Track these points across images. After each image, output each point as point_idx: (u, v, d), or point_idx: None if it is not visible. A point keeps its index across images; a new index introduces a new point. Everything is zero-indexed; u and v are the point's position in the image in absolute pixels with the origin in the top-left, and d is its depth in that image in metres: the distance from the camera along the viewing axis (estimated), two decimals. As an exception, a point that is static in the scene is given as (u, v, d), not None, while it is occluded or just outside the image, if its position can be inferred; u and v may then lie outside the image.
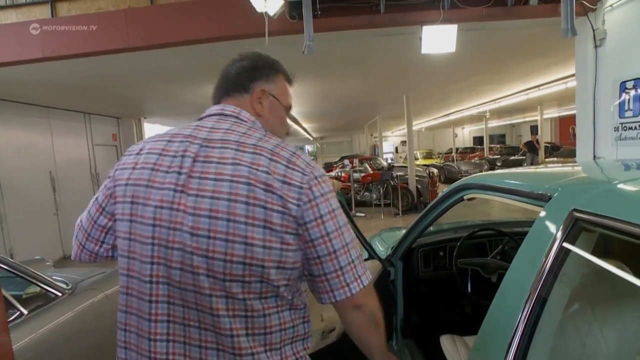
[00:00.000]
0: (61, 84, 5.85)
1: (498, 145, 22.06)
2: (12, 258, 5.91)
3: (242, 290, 0.83)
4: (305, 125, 17.04)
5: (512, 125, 25.90)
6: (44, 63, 4.36)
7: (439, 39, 3.78)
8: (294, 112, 11.43)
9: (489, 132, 21.14)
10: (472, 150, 22.71)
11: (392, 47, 5.01)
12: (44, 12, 4.37)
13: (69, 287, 2.59)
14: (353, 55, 5.49)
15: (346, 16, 3.85)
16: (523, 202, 1.30)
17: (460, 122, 22.53)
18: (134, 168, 0.92)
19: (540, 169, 1.96)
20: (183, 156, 0.88)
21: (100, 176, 8.48)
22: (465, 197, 1.81)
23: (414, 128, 22.49)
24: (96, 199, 0.99)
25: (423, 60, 5.59)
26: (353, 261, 0.88)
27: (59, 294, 2.47)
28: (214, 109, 1.00)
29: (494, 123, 22.53)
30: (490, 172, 1.85)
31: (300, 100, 9.44)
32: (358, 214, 9.19)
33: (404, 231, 2.33)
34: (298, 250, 0.85)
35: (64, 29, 4.17)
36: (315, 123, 17.05)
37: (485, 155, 18.64)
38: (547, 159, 13.51)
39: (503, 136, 27.31)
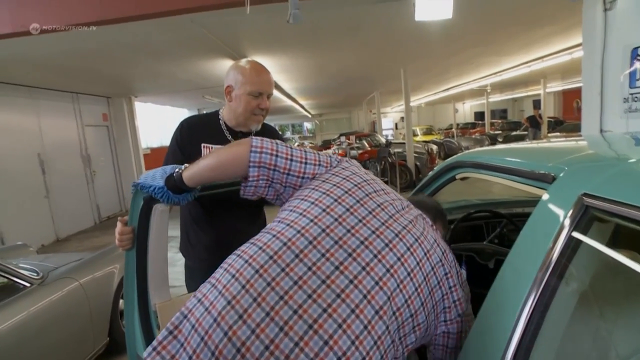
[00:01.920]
0: (44, 63, 5.60)
1: (499, 121, 21.72)
2: (2, 243, 5.83)
3: None
4: (302, 102, 16.71)
5: (514, 100, 25.46)
6: (21, 39, 4.12)
7: (434, 3, 3.51)
8: (287, 87, 11.13)
9: (490, 107, 20.78)
10: (472, 125, 22.40)
11: (385, 15, 4.72)
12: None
13: (39, 276, 2.44)
14: (345, 25, 5.20)
15: (335, -19, 3.57)
16: (522, 183, 1.12)
17: (460, 97, 22.10)
18: (357, 175, 1.05)
19: (543, 144, 1.76)
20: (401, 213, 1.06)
21: (91, 157, 8.30)
22: (457, 177, 1.63)
23: (414, 103, 22.14)
24: (317, 153, 1.08)
25: (419, 30, 5.31)
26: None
27: (27, 285, 2.32)
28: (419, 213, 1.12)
29: (495, 98, 22.11)
30: (485, 147, 1.66)
31: (293, 76, 9.15)
32: (356, 192, 9.02)
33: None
34: None
35: (34, 1, 3.91)
36: (312, 100, 16.72)
37: (487, 131, 18.34)
38: (550, 134, 13.24)
39: (505, 111, 26.89)
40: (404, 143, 10.30)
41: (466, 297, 1.03)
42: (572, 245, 0.80)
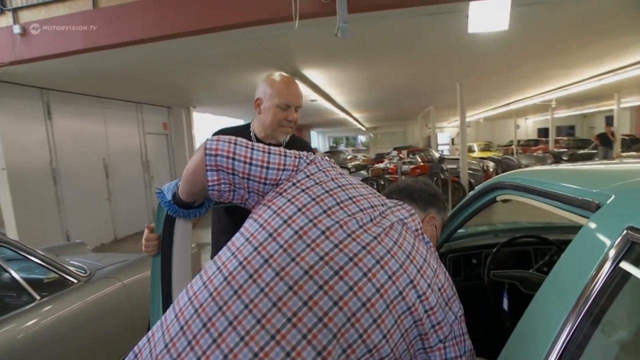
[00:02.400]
0: (112, 76, 6.04)
1: (565, 138, 20.36)
2: (68, 239, 6.29)
3: None
4: (355, 115, 16.69)
5: (584, 116, 23.78)
6: (93, 54, 4.49)
7: (488, 15, 3.36)
8: (340, 100, 11.16)
9: (556, 124, 19.54)
10: (535, 142, 21.17)
11: (438, 27, 4.59)
12: (86, 4, 4.45)
13: (86, 274, 2.56)
14: (396, 39, 5.13)
15: (383, -6, 3.53)
16: (565, 210, 1.00)
17: (522, 112, 21.00)
18: (329, 179, 0.94)
19: (602, 165, 1.59)
20: (382, 216, 0.95)
21: (150, 164, 8.78)
22: (498, 199, 1.51)
23: (472, 118, 21.39)
24: (283, 155, 0.97)
25: (475, 42, 5.11)
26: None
27: (75, 281, 2.45)
28: (408, 207, 1.02)
29: (562, 113, 20.78)
30: (529, 168, 1.52)
31: (345, 89, 9.16)
32: (405, 208, 8.79)
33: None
34: None
35: (103, 20, 4.24)
36: (366, 113, 16.64)
37: (550, 149, 17.25)
38: (623, 153, 12.18)
39: (572, 128, 25.19)
40: (458, 159, 9.93)
41: (452, 318, 0.87)
42: (612, 284, 0.69)
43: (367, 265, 0.79)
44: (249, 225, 0.88)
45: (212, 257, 1.83)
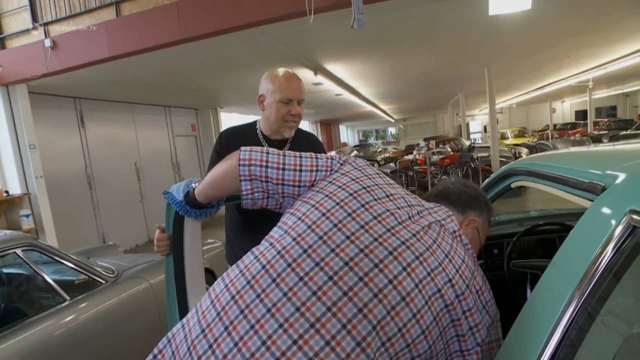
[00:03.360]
0: (141, 81, 6.23)
1: (606, 119, 19.34)
2: (104, 242, 6.56)
3: None
4: (383, 106, 16.48)
5: (626, 95, 22.47)
6: (119, 61, 4.64)
7: (510, -5, 3.23)
8: (366, 93, 11.04)
9: (596, 105, 18.59)
10: (572, 126, 20.23)
11: (459, 12, 4.44)
12: (110, 13, 4.59)
13: (114, 274, 2.66)
14: (417, 27, 5.01)
15: (399, -19, 3.45)
16: (573, 194, 0.95)
17: (558, 95, 20.08)
18: (366, 176, 0.95)
19: (618, 145, 1.49)
20: (420, 216, 0.92)
21: (180, 165, 9.01)
22: (512, 185, 1.45)
23: (503, 104, 20.71)
24: (315, 158, 0.98)
25: (500, 24, 4.92)
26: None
27: (103, 282, 2.54)
28: (445, 209, 1.00)
29: (601, 93, 19.72)
30: (543, 153, 1.45)
31: (370, 82, 9.05)
32: (435, 199, 8.63)
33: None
34: None
35: (125, 27, 4.36)
36: (393, 104, 16.40)
37: (589, 131, 16.45)
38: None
39: (614, 108, 23.88)
40: (489, 147, 9.64)
41: (489, 321, 0.88)
42: (615, 267, 0.66)
43: (406, 260, 0.80)
44: (286, 218, 0.91)
45: (226, 256, 1.85)
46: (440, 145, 12.55)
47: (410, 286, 0.78)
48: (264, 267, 0.80)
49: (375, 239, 0.81)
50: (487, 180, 1.63)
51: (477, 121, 26.54)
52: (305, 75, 6.70)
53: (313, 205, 0.87)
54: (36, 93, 5.65)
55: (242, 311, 0.75)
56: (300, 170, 0.94)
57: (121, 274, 2.71)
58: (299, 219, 0.86)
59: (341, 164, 0.97)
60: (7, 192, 5.31)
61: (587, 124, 17.52)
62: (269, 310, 0.74)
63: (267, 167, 0.94)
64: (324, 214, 0.84)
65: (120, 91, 6.78)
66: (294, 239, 0.82)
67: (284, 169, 0.94)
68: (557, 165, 1.09)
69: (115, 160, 7.19)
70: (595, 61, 9.78)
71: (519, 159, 1.42)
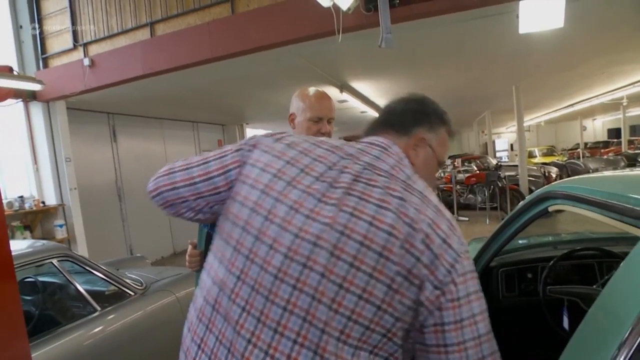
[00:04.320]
0: (170, 98, 6.42)
1: (641, 138, 18.69)
2: (131, 253, 6.70)
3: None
4: (407, 124, 16.41)
5: (663, 113, 21.69)
6: (151, 79, 4.82)
7: (541, 13, 3.19)
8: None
9: (630, 122, 17.98)
10: (605, 144, 19.61)
11: (489, 30, 4.42)
12: (145, 33, 4.78)
13: (143, 286, 2.70)
14: (445, 45, 5.00)
15: (427, 1, 3.46)
16: (621, 222, 0.91)
17: (589, 113, 19.55)
18: (279, 158, 0.85)
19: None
20: (342, 172, 0.81)
21: (207, 180, 9.17)
22: (550, 209, 1.41)
23: (531, 122, 20.29)
24: (221, 158, 0.92)
25: (530, 42, 4.86)
26: (484, 357, 0.74)
27: (132, 293, 2.59)
28: (378, 140, 0.92)
29: (636, 111, 19.10)
30: (584, 176, 1.41)
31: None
32: (460, 218, 8.47)
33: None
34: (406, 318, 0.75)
35: (159, 47, 4.53)
36: (418, 121, 16.31)
37: (623, 150, 15.90)
38: None
39: (649, 126, 23.05)
40: (517, 165, 9.44)
41: (454, 255, 0.75)
42: None
43: (330, 242, 0.74)
44: (217, 246, 0.89)
45: None
46: (466, 164, 12.36)
47: (344, 269, 0.72)
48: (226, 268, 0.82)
49: (296, 235, 0.75)
50: (522, 203, 1.59)
51: (504, 139, 26.06)
52: (331, 92, 6.76)
53: (232, 221, 0.84)
54: (73, 109, 5.89)
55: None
56: (211, 178, 0.89)
57: (149, 286, 2.76)
58: (225, 241, 0.84)
59: (249, 151, 0.90)
60: (43, 202, 5.52)
61: (621, 143, 16.96)
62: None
63: (176, 188, 0.91)
64: (243, 228, 0.80)
65: (150, 107, 7.01)
66: (227, 268, 0.81)
67: (194, 183, 0.90)
68: (601, 189, 1.05)
69: (144, 173, 7.30)
70: (629, 78, 9.52)
71: (557, 182, 1.38)
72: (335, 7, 3.47)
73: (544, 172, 8.72)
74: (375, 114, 8.35)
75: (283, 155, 0.85)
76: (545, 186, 1.43)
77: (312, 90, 1.67)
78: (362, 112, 9.37)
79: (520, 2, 3.20)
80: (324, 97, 1.65)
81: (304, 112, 1.61)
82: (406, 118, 0.95)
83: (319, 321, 0.71)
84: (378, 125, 0.97)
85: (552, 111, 16.13)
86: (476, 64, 6.22)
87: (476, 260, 1.91)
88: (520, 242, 2.28)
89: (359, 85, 7.13)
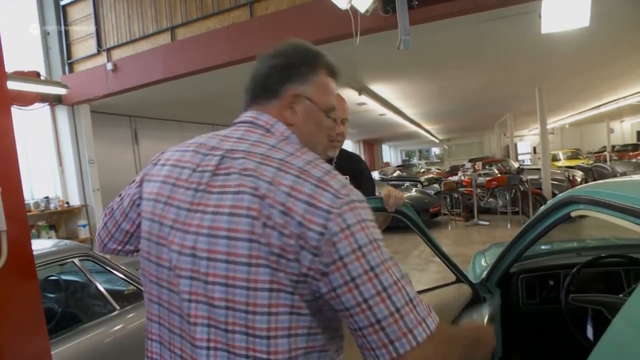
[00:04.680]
0: (189, 100, 6.53)
1: (672, 141, 18.02)
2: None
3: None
4: (427, 127, 16.27)
5: (694, 115, 20.89)
6: (172, 82, 4.91)
7: (565, 12, 3.10)
8: (410, 113, 10.95)
9: (658, 125, 17.36)
10: (634, 147, 18.98)
11: (510, 31, 4.35)
12: (166, 38, 4.87)
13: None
14: (465, 46, 4.94)
15: (446, 2, 3.42)
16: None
17: (616, 115, 18.95)
18: (157, 181, 0.84)
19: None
20: (204, 171, 0.77)
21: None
22: (572, 214, 1.36)
23: (555, 124, 19.81)
24: (121, 201, 0.95)
25: (553, 42, 4.75)
26: (399, 310, 0.67)
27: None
28: (246, 115, 0.86)
29: (666, 113, 18.46)
30: (611, 180, 1.36)
31: (415, 101, 8.98)
32: (481, 222, 8.32)
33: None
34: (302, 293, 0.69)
35: (179, 51, 4.61)
36: (438, 124, 16.16)
37: (653, 153, 15.37)
38: None
39: (681, 128, 22.22)
40: (539, 169, 9.22)
41: (324, 214, 0.68)
42: None
43: (204, 248, 0.72)
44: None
45: None
46: (487, 167, 12.14)
47: (223, 269, 0.70)
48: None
49: (180, 252, 0.75)
50: (543, 208, 1.55)
51: (526, 142, 25.52)
52: (350, 95, 6.75)
53: (142, 255, 0.85)
54: (96, 112, 6.05)
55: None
56: (127, 215, 0.94)
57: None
58: (143, 275, 0.86)
59: (140, 186, 0.90)
60: (67, 203, 5.67)
61: (650, 146, 16.41)
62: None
63: (112, 235, 0.96)
64: (148, 260, 0.82)
65: (171, 110, 7.14)
66: (148, 298, 0.85)
67: (119, 226, 0.95)
68: (627, 194, 1.01)
69: (166, 176, 7.52)
70: (659, 79, 9.21)
71: (580, 186, 1.33)
72: (353, 10, 3.47)
73: (568, 175, 8.49)
74: (395, 117, 8.28)
75: (159, 177, 0.84)
76: (568, 190, 1.39)
77: None
78: (381, 114, 9.32)
79: (543, 1, 3.12)
80: (339, 99, 1.64)
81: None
82: (272, 79, 0.84)
83: (221, 323, 0.71)
84: (249, 97, 0.89)
85: (577, 113, 15.72)
86: (497, 65, 6.12)
87: (495, 265, 1.87)
88: (541, 247, 2.22)
89: (378, 88, 7.10)
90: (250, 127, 0.83)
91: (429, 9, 3.45)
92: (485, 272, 1.99)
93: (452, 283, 1.86)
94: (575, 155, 18.56)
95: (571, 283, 1.63)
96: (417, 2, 3.43)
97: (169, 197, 0.79)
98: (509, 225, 7.87)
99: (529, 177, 8.36)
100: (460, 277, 1.82)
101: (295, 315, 0.69)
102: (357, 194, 0.72)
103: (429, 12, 3.47)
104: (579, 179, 9.12)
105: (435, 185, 11.66)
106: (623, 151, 18.64)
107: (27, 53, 5.48)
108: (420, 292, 1.83)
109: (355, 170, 1.74)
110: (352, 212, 0.68)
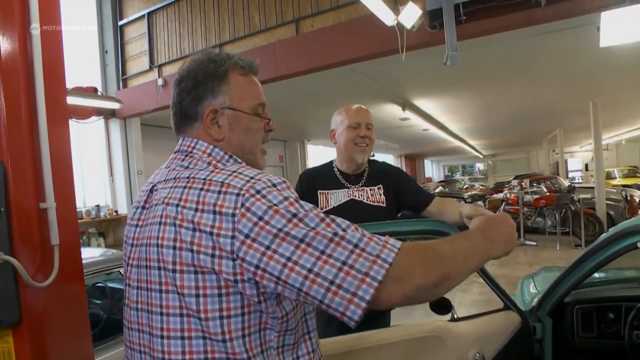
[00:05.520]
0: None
1: None
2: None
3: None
4: (471, 142, 15.84)
5: None
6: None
7: (625, 24, 2.93)
8: (454, 128, 10.71)
9: None
10: (701, 166, 17.59)
11: (562, 45, 4.17)
12: (213, 55, 5.04)
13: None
14: (514, 61, 4.78)
15: (497, 16, 3.33)
16: None
17: (680, 131, 17.69)
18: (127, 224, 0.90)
19: None
20: (137, 207, 0.83)
21: (266, 194, 9.40)
22: (639, 245, 1.26)
23: (610, 140, 18.71)
24: None
25: (610, 56, 4.51)
26: (345, 262, 0.64)
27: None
28: (177, 145, 0.87)
29: None
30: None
31: (460, 117, 8.78)
32: (528, 242, 7.92)
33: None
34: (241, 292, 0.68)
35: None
36: (483, 140, 15.69)
37: None
38: None
39: None
40: (593, 187, 8.70)
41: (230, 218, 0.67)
42: None
43: (150, 280, 0.75)
44: None
45: None
46: (535, 185, 11.60)
47: (156, 297, 0.73)
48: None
49: (128, 285, 0.81)
50: (604, 236, 1.44)
51: (577, 159, 24.24)
52: (393, 110, 6.72)
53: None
54: (146, 125, 6.33)
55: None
56: None
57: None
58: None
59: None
60: (116, 211, 5.94)
61: None
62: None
63: None
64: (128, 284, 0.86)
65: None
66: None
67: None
68: None
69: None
70: None
71: (649, 214, 1.23)
72: (400, 26, 3.45)
73: (626, 195, 7.94)
74: (439, 132, 8.15)
75: (130, 220, 0.87)
76: (632, 220, 1.28)
77: (347, 104, 1.75)
78: (424, 129, 9.18)
79: (602, 13, 2.96)
80: (360, 107, 1.72)
81: (342, 123, 1.69)
82: (186, 104, 0.83)
83: (151, 328, 0.74)
84: (174, 128, 0.88)
85: (635, 129, 14.78)
86: (548, 79, 5.88)
87: (548, 293, 1.75)
88: (597, 275, 2.06)
89: (422, 103, 7.01)
90: (175, 154, 0.84)
91: (477, 24, 3.37)
92: (535, 300, 1.88)
93: (499, 310, 1.76)
94: (633, 173, 17.42)
95: (636, 318, 1.49)
96: (465, 18, 3.37)
97: (126, 237, 0.84)
98: (557, 247, 7.45)
99: (581, 196, 7.90)
100: (509, 304, 1.72)
101: (246, 315, 0.70)
102: (264, 181, 0.70)
103: (477, 27, 3.39)
104: (637, 199, 8.51)
105: (479, 203, 11.26)
106: (687, 170, 17.31)
107: (86, 70, 5.85)
108: (464, 318, 1.75)
109: (388, 179, 1.73)
110: (260, 201, 0.67)
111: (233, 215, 0.66)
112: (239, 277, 0.67)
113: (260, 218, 0.65)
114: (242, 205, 0.66)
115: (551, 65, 5.09)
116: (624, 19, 2.93)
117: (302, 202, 0.70)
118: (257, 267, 0.65)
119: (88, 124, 5.67)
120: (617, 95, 7.51)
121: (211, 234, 0.67)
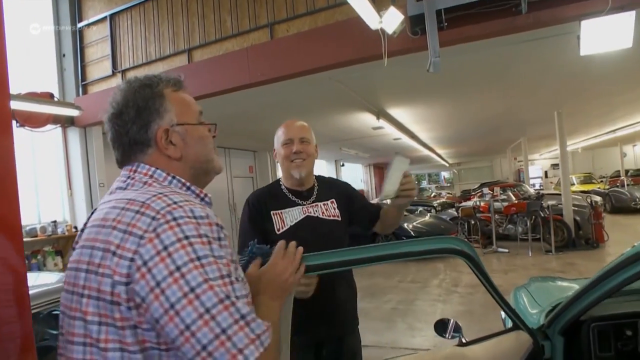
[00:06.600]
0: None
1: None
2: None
3: None
4: (439, 151, 16.10)
5: None
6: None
7: (606, 33, 2.94)
8: (424, 137, 10.81)
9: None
10: (650, 173, 18.63)
11: (538, 54, 4.21)
12: (182, 60, 4.78)
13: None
14: (489, 70, 4.80)
15: (478, 23, 3.28)
16: None
17: (629, 139, 18.63)
18: None
19: None
20: (81, 230, 0.80)
21: (237, 206, 9.08)
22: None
23: (569, 148, 19.52)
24: None
25: (580, 66, 4.60)
26: (225, 330, 0.62)
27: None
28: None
29: (681, 138, 18.16)
30: None
31: (430, 125, 8.85)
32: (500, 250, 8.02)
33: (560, 284, 1.65)
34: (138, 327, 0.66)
35: (196, 73, 4.50)
36: (450, 148, 15.99)
37: (671, 179, 15.01)
38: None
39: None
40: (558, 194, 8.95)
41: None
42: None
43: (79, 309, 0.72)
44: None
45: None
46: (501, 192, 11.85)
47: (79, 326, 0.70)
48: None
49: (64, 313, 0.77)
50: (621, 257, 1.33)
51: (537, 166, 25.22)
52: (368, 119, 6.64)
53: None
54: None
55: None
56: None
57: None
58: None
59: None
60: (75, 227, 5.50)
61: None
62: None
63: None
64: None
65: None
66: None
67: None
68: None
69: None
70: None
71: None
72: (381, 31, 3.34)
73: (591, 201, 8.20)
74: (409, 141, 8.15)
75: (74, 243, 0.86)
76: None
77: (284, 122, 1.73)
78: (396, 139, 9.18)
79: (582, 22, 2.97)
80: (292, 122, 1.71)
81: (278, 141, 1.68)
82: (133, 133, 0.81)
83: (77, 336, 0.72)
84: (119, 160, 0.87)
85: (591, 137, 15.50)
86: (520, 88, 5.98)
87: (563, 310, 1.63)
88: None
89: (396, 112, 6.98)
90: (118, 180, 0.83)
91: (459, 30, 3.31)
92: (542, 316, 1.77)
93: (509, 330, 1.65)
94: (589, 179, 18.27)
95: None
96: (447, 24, 3.29)
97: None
98: (529, 253, 7.57)
99: (549, 202, 8.10)
100: (519, 323, 1.60)
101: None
102: (185, 210, 0.67)
103: (459, 34, 3.33)
104: (600, 205, 8.82)
105: (450, 211, 11.37)
106: (637, 176, 18.28)
107: (42, 74, 5.42)
108: (474, 341, 1.64)
109: (338, 194, 1.74)
110: (173, 230, 0.64)
111: (141, 237, 0.64)
112: (131, 304, 0.64)
113: (165, 248, 0.63)
114: (154, 230, 0.65)
115: (525, 74, 5.17)
116: (605, 26, 2.94)
117: (216, 246, 0.67)
118: (143, 299, 0.63)
119: (43, 132, 5.24)
120: (579, 104, 7.78)
121: (114, 253, 0.65)
